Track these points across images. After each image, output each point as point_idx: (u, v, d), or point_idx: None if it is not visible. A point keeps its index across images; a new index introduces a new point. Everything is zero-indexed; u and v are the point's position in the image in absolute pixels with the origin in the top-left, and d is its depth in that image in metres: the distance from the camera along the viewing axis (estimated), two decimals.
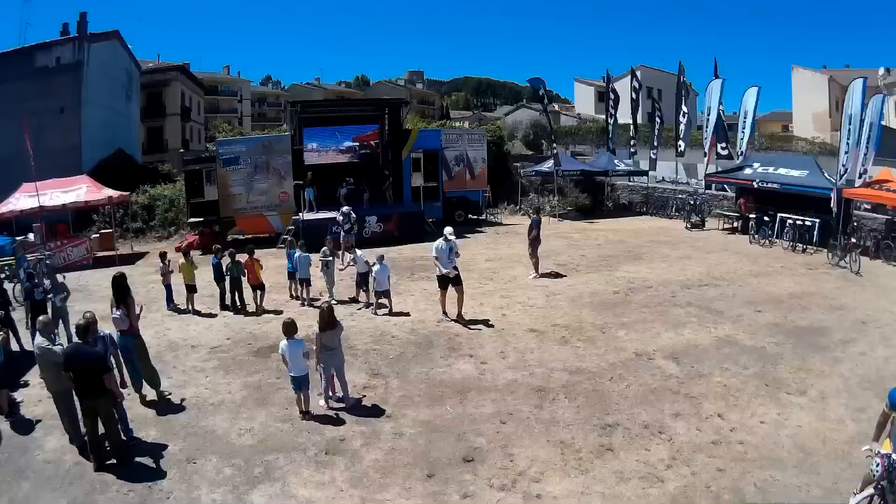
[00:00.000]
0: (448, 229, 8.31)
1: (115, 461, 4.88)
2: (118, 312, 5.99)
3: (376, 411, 5.72)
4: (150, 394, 6.14)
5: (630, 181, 20.56)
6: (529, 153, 25.42)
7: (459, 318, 8.22)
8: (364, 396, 6.01)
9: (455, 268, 8.20)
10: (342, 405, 5.76)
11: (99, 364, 4.80)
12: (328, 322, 5.48)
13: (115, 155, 22.34)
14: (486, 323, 8.11)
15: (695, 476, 4.52)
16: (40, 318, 5.53)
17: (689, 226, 15.78)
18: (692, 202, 16.38)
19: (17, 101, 18.57)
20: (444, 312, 8.35)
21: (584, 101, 37.58)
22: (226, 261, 9.17)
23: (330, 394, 5.84)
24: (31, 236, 13.80)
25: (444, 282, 8.22)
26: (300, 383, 5.43)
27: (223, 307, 9.28)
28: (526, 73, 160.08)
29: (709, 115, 16.36)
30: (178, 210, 17.44)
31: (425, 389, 6.17)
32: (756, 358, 6.79)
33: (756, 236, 13.55)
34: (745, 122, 15.90)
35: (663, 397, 5.88)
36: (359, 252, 9.35)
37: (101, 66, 22.42)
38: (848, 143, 12.93)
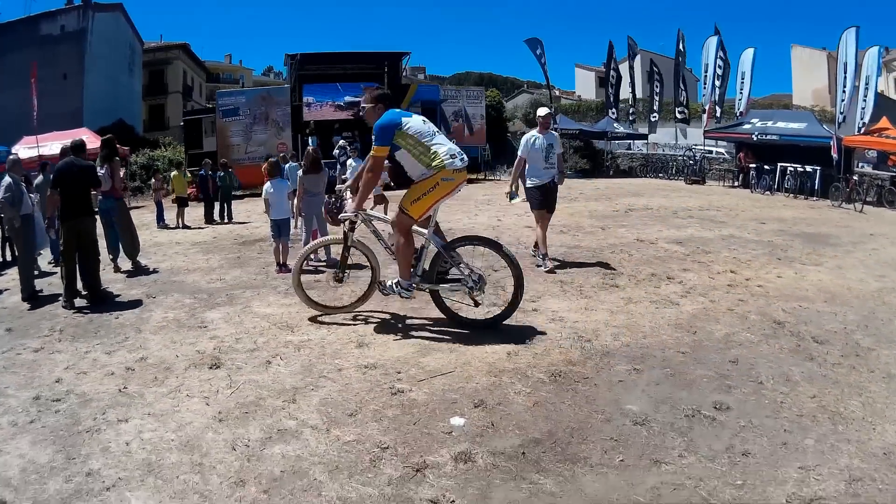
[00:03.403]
0: (542, 109, 5.26)
1: (86, 301, 4.53)
2: (102, 171, 5.72)
3: (360, 268, 5.39)
4: (126, 265, 5.84)
5: (629, 148, 20.36)
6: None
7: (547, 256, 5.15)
8: None
9: (558, 175, 5.10)
10: (323, 262, 5.43)
11: (91, 174, 4.62)
12: (312, 163, 5.20)
13: (116, 124, 22.22)
14: (481, 225, 7.83)
15: (714, 303, 4.19)
16: (9, 157, 5.29)
17: (689, 182, 15.54)
18: (692, 160, 16.16)
19: (21, 69, 18.50)
20: (544, 254, 5.07)
21: (584, 86, 37.72)
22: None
23: (311, 256, 5.51)
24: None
25: (540, 200, 5.04)
26: (280, 228, 5.12)
27: (208, 221, 9.10)
28: (527, 68, 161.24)
29: (706, 71, 16.25)
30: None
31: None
32: (764, 245, 6.52)
33: (757, 187, 13.29)
34: (742, 82, 15.79)
35: (670, 261, 5.59)
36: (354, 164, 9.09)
37: (104, 37, 22.49)
38: (844, 91, 12.80)
